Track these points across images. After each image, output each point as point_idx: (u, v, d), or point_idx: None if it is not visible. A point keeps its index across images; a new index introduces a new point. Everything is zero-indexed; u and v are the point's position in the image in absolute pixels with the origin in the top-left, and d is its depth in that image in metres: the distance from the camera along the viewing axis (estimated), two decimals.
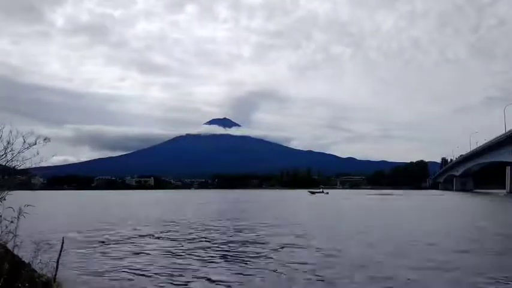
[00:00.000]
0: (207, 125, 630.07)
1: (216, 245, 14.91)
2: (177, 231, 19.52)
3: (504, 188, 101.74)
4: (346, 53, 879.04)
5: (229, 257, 12.58)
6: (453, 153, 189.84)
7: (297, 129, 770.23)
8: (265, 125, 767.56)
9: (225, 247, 14.44)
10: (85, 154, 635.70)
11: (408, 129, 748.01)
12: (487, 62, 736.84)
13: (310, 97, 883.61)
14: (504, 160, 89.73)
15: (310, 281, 9.22)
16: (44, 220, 22.46)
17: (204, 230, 19.91)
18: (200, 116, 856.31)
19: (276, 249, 13.61)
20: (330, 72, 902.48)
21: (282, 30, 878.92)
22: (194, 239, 16.85)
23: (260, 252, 13.04)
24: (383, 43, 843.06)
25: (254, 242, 15.39)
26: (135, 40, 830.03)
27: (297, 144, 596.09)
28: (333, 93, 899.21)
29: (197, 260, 11.99)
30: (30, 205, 4.88)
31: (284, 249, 13.70)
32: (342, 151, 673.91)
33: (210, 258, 12.30)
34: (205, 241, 16.05)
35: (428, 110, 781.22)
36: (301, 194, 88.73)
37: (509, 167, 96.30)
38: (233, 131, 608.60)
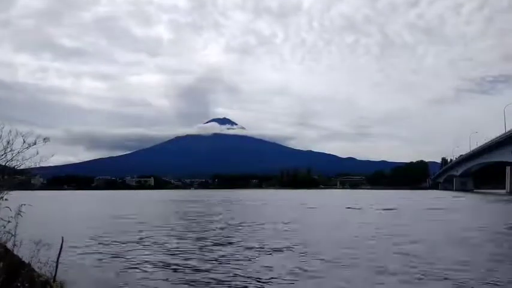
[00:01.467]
0: (207, 125, 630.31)
1: None
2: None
3: (504, 188, 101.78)
4: (278, 36, 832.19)
5: None
6: (453, 153, 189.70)
7: (262, 125, 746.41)
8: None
9: None
10: (84, 154, 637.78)
11: (384, 125, 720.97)
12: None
13: (263, 88, 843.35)
14: (504, 160, 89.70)
15: None
16: (43, 220, 22.48)
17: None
18: (153, 110, 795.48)
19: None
20: (270, 58, 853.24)
21: (196, 7, 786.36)
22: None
23: None
24: (312, 22, 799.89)
25: None
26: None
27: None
28: (286, 82, 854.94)
29: None
30: (29, 205, 4.89)
31: None
32: (341, 151, 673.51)
33: None
34: None
35: (399, 104, 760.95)
36: (301, 197, 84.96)
37: (509, 167, 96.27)
38: (233, 131, 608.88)
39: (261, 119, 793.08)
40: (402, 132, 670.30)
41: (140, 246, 15.11)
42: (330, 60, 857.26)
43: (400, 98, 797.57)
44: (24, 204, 4.90)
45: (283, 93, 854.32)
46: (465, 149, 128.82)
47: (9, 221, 4.73)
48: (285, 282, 9.47)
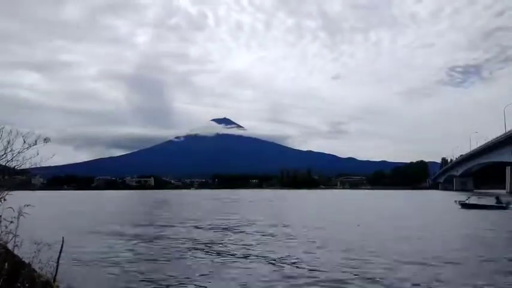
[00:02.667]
0: (207, 125, 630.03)
1: None
2: None
3: (504, 188, 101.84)
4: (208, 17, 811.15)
5: None
6: (453, 153, 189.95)
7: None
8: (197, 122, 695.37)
9: None
10: (84, 154, 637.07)
11: (361, 121, 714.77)
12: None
13: (219, 79, 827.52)
14: (504, 160, 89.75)
15: None
16: (43, 220, 22.49)
17: None
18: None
19: None
20: (211, 44, 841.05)
21: None
22: None
23: None
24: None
25: None
26: None
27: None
28: (244, 73, 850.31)
29: None
30: (31, 205, 4.88)
31: None
32: (340, 151, 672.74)
33: None
34: None
35: (369, 98, 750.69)
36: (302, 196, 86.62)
37: (509, 167, 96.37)
38: (233, 131, 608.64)
39: (229, 114, 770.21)
40: (381, 129, 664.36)
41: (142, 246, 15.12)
42: (278, 47, 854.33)
43: (367, 91, 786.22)
44: (28, 205, 4.89)
45: (245, 85, 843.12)
46: (465, 149, 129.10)
47: (11, 221, 4.72)
48: None
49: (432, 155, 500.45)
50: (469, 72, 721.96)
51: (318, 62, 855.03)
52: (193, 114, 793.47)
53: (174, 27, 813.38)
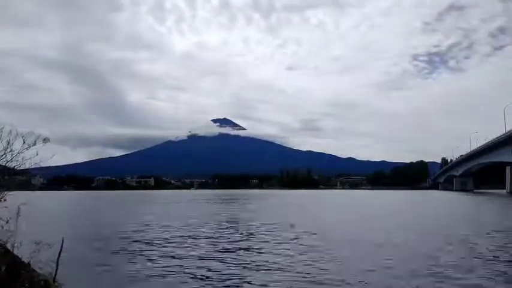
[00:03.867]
0: (207, 125, 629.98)
1: None
2: None
3: (504, 188, 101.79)
4: None
5: None
6: (453, 153, 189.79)
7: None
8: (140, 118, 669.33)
9: None
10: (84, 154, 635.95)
11: (336, 119, 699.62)
12: None
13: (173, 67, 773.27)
14: (504, 160, 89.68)
15: None
16: (43, 220, 22.47)
17: None
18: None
19: None
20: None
21: None
22: None
23: None
24: None
25: None
26: None
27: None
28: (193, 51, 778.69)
29: None
30: (28, 204, 4.89)
31: None
32: (341, 151, 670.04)
33: None
34: None
35: (336, 91, 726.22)
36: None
37: (509, 167, 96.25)
38: (233, 131, 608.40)
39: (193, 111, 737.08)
40: (358, 126, 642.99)
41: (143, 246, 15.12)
42: (215, 32, 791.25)
43: (331, 83, 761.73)
44: (24, 204, 4.90)
45: (198, 74, 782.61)
46: (465, 149, 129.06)
47: (7, 221, 4.73)
48: None
49: (432, 155, 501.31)
50: (434, 62, 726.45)
51: (265, 50, 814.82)
52: (153, 110, 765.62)
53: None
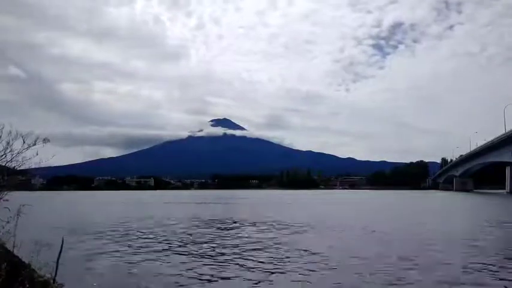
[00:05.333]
0: (206, 125, 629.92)
1: None
2: None
3: (504, 188, 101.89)
4: None
5: None
6: (453, 153, 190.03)
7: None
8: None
9: None
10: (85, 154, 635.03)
11: (301, 114, 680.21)
12: None
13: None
14: (504, 160, 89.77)
15: None
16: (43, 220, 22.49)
17: None
18: None
19: None
20: None
21: None
22: None
23: None
24: None
25: None
26: None
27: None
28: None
29: None
30: (28, 205, 4.89)
31: None
32: (341, 151, 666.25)
33: None
34: None
35: (293, 81, 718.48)
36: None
37: (509, 167, 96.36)
38: (233, 131, 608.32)
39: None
40: (328, 123, 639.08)
41: (136, 246, 15.11)
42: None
43: (279, 71, 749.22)
44: (24, 205, 4.91)
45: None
46: (465, 149, 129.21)
47: (8, 221, 4.73)
48: None
49: (432, 155, 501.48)
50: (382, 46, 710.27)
51: (182, 31, 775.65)
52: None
53: None
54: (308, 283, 9.30)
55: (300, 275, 10.09)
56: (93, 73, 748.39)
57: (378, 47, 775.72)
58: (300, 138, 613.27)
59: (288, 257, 12.55)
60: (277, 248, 14.35)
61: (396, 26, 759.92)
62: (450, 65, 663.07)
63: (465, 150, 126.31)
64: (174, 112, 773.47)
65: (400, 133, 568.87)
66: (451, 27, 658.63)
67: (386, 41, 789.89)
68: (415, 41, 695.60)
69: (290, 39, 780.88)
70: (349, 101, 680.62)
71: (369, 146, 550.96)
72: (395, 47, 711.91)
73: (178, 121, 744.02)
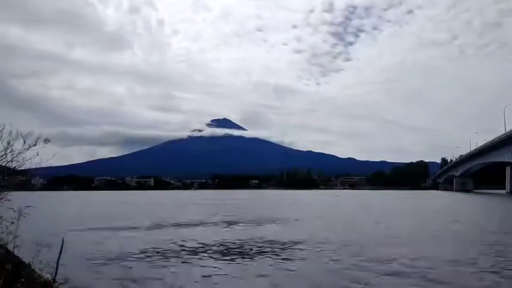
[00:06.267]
0: (207, 125, 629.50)
1: None
2: None
3: (504, 188, 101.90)
4: None
5: None
6: (453, 153, 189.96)
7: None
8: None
9: None
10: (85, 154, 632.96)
11: (276, 110, 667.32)
12: None
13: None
14: (504, 160, 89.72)
15: None
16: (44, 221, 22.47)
17: None
18: None
19: None
20: None
21: None
22: None
23: None
24: None
25: None
26: None
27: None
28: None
29: None
30: (31, 206, 4.89)
31: None
32: (341, 151, 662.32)
33: None
34: None
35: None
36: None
37: (509, 167, 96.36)
38: (233, 132, 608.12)
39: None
40: (301, 118, 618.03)
41: (138, 244, 15.11)
42: None
43: (248, 63, 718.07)
44: (28, 206, 4.91)
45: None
46: (465, 149, 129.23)
47: (12, 222, 4.74)
48: None
49: (432, 155, 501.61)
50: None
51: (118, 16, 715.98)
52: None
53: None
54: None
55: None
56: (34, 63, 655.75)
57: (337, 35, 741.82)
58: (280, 136, 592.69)
59: None
60: None
61: (349, 10, 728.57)
62: (420, 57, 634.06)
63: (465, 150, 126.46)
64: (139, 108, 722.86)
65: (386, 131, 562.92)
66: (409, 11, 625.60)
67: (344, 28, 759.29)
68: (375, 27, 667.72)
69: (239, 25, 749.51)
70: (325, 96, 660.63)
71: (357, 145, 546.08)
72: (356, 35, 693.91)
73: (147, 119, 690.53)
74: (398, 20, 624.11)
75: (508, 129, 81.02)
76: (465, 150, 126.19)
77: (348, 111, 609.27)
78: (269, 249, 14.52)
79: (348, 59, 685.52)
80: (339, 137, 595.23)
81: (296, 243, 15.72)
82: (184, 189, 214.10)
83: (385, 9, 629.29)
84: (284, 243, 15.60)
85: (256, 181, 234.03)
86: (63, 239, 5.30)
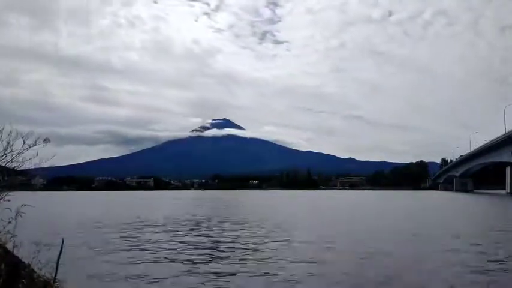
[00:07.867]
0: (206, 125, 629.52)
1: None
2: None
3: (504, 189, 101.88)
4: None
5: None
6: (453, 153, 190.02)
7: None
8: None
9: None
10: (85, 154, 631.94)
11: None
12: None
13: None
14: (504, 160, 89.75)
15: None
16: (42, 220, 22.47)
17: None
18: None
19: None
20: None
21: None
22: None
23: None
24: None
25: None
26: None
27: None
28: None
29: None
30: (29, 205, 4.89)
31: None
32: (341, 151, 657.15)
33: None
34: None
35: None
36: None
37: (509, 168, 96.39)
38: (233, 132, 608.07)
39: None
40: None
41: (139, 249, 15.11)
42: None
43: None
44: (24, 205, 4.91)
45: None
46: (465, 149, 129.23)
47: (9, 222, 4.73)
48: None
49: (432, 155, 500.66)
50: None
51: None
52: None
53: None
54: None
55: None
56: None
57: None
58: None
59: None
60: None
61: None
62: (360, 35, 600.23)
63: (465, 150, 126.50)
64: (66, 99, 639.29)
65: (355, 128, 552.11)
66: None
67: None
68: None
69: None
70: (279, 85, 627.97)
71: (335, 143, 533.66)
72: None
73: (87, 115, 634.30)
74: None
75: (508, 129, 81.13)
76: (465, 150, 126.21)
77: (311, 103, 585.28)
78: None
79: (286, 50, 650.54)
80: (316, 134, 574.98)
81: None
82: (184, 189, 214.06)
83: None
84: None
85: (256, 181, 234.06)
86: (62, 239, 5.29)
